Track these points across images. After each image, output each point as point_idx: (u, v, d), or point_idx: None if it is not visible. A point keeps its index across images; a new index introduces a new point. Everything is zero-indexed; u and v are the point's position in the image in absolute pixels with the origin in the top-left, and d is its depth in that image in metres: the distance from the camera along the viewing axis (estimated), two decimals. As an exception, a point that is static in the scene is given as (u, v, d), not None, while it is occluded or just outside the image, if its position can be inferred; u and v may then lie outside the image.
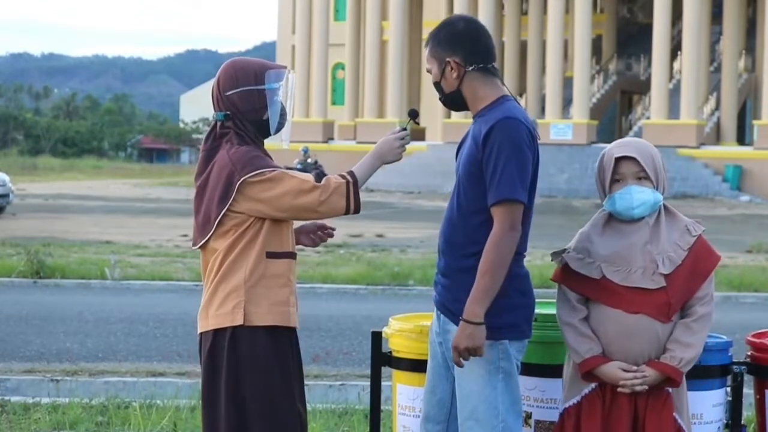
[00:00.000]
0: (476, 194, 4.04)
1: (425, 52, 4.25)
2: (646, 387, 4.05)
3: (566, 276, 4.20)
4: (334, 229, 4.50)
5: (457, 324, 4.04)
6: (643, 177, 4.12)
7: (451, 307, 4.10)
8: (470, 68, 4.11)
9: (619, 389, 4.07)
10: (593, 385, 4.14)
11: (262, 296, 4.14)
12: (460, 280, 4.06)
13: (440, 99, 4.24)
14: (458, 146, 4.25)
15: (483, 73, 4.13)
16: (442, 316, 4.17)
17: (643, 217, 4.12)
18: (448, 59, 4.12)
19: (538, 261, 17.16)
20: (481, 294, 3.95)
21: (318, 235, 4.46)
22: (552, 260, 4.26)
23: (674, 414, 4.12)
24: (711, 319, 4.13)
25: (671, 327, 4.09)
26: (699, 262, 4.11)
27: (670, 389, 4.10)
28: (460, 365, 4.00)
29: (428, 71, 4.24)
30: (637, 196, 4.10)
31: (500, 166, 3.96)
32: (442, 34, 4.16)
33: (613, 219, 4.19)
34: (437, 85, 4.19)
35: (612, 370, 4.08)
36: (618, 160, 4.16)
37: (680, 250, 4.09)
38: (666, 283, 4.07)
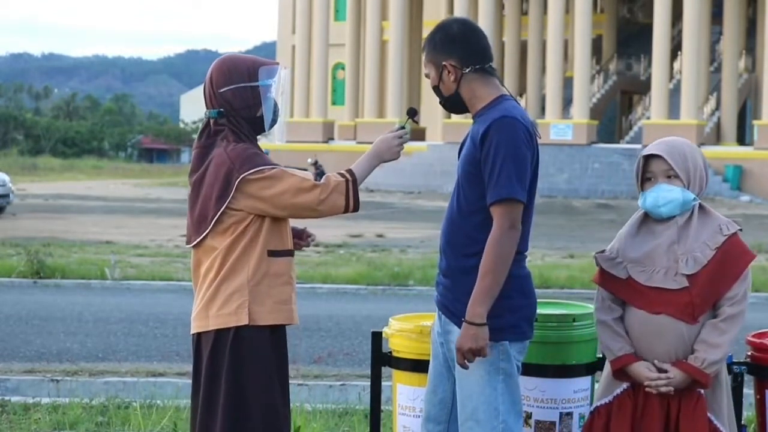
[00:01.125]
0: (475, 194, 4.03)
1: (423, 57, 4.22)
2: (671, 389, 4.01)
3: (603, 277, 4.19)
4: (313, 239, 4.47)
5: (458, 324, 4.03)
6: (672, 175, 4.08)
7: (451, 307, 4.09)
8: (467, 70, 4.10)
9: (646, 389, 4.05)
10: (625, 385, 4.12)
11: (265, 295, 4.13)
12: (461, 281, 4.05)
13: (440, 103, 4.23)
14: (459, 146, 4.25)
15: (480, 74, 4.12)
16: (443, 316, 4.16)
17: (673, 217, 4.08)
18: (444, 63, 4.11)
19: (538, 261, 17.17)
20: (483, 294, 3.94)
21: (299, 243, 4.43)
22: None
23: (709, 415, 4.07)
24: (740, 319, 4.05)
25: (699, 328, 4.04)
26: (728, 262, 4.04)
27: (703, 391, 4.06)
28: (465, 367, 3.99)
29: (427, 76, 4.21)
30: (663, 195, 4.06)
31: (498, 165, 3.95)
32: (437, 37, 4.14)
33: (648, 219, 4.16)
34: (436, 89, 4.18)
35: (640, 369, 4.05)
36: (647, 158, 4.13)
37: (708, 250, 4.03)
38: (689, 283, 4.02)
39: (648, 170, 4.12)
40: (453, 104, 4.18)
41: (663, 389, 4.01)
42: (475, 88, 4.12)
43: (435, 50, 4.13)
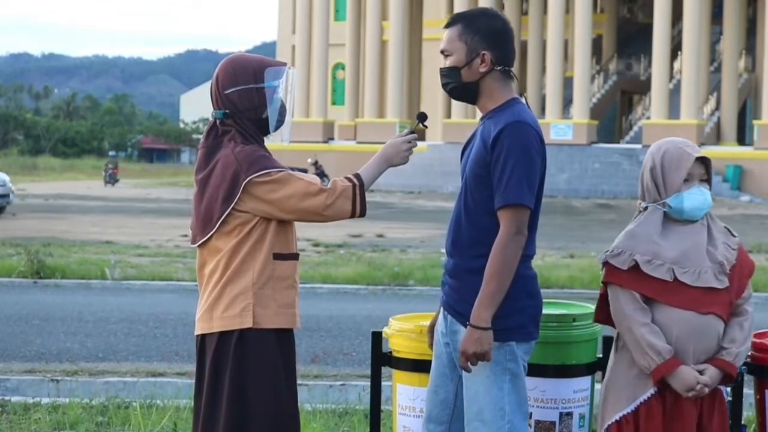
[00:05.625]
0: (483, 196, 4.03)
1: (451, 32, 4.11)
2: (709, 387, 4.05)
3: (627, 278, 4.10)
4: None
5: (464, 325, 4.02)
6: (704, 179, 4.16)
7: (458, 308, 4.09)
8: (498, 68, 4.11)
9: (691, 394, 4.02)
10: (652, 390, 4.09)
11: (269, 298, 4.12)
12: (469, 281, 4.04)
13: (448, 84, 4.15)
14: (464, 146, 4.22)
15: (505, 76, 4.14)
16: (449, 316, 4.15)
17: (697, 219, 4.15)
18: (483, 52, 4.08)
19: (538, 261, 17.16)
20: (488, 298, 3.94)
21: None
22: (604, 261, 4.13)
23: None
24: (752, 317, 4.19)
25: (724, 326, 4.12)
26: (743, 263, 4.16)
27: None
28: (468, 370, 3.99)
29: (444, 53, 4.15)
30: (707, 197, 4.12)
31: (508, 169, 3.95)
32: (481, 23, 4.11)
33: (668, 220, 4.14)
34: (454, 70, 4.11)
35: (689, 373, 4.02)
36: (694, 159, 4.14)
37: (731, 250, 4.14)
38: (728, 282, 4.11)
39: (688, 172, 4.13)
40: (465, 92, 4.15)
41: (707, 390, 4.03)
42: (496, 87, 4.12)
43: (477, 35, 4.09)
